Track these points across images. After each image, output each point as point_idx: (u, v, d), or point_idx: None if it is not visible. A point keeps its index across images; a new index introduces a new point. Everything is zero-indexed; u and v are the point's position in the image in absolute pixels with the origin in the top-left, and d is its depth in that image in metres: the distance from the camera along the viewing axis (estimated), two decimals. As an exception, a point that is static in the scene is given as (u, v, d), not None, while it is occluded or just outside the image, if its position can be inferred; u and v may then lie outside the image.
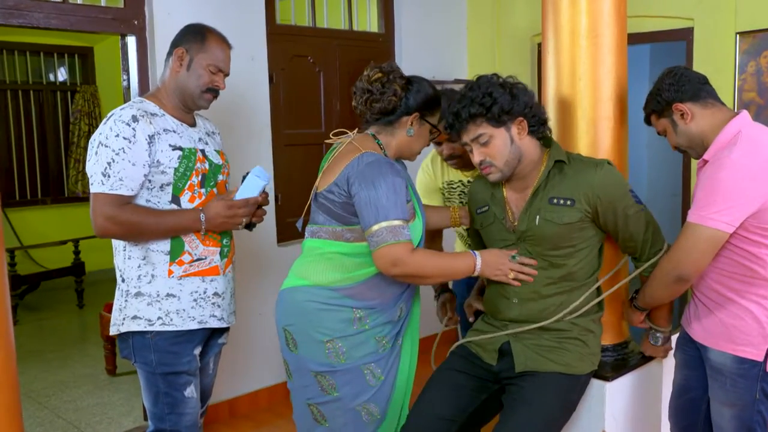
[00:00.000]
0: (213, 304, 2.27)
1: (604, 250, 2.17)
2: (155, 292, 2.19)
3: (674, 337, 2.30)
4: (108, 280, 3.52)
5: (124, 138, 2.08)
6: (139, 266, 2.19)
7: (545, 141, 2.12)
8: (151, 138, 2.12)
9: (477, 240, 2.33)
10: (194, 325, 2.23)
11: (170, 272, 2.19)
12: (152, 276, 2.19)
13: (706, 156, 2.00)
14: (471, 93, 2.01)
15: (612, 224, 2.04)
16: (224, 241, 2.30)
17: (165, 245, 2.18)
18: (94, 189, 2.10)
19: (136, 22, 3.16)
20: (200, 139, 2.30)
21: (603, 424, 2.22)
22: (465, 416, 2.07)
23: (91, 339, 5.10)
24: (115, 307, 2.26)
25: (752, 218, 1.87)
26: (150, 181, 2.14)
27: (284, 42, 3.78)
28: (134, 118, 2.11)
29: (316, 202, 2.14)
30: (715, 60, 3.65)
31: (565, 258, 2.05)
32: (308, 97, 3.96)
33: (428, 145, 2.31)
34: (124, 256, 2.21)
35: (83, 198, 6.92)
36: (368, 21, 4.40)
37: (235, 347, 3.40)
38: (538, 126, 2.05)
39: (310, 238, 2.14)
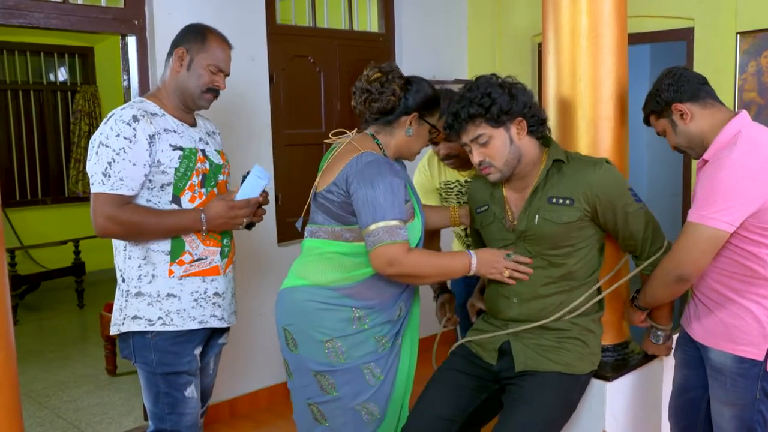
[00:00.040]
0: (213, 304, 2.27)
1: (605, 249, 2.17)
2: (156, 292, 2.19)
3: (674, 337, 2.30)
4: (108, 280, 3.51)
5: (125, 138, 2.08)
6: (139, 266, 2.19)
7: (544, 140, 2.12)
8: (151, 138, 2.12)
9: (477, 239, 2.33)
10: (195, 325, 2.23)
11: (171, 272, 2.19)
12: (153, 276, 2.19)
13: (705, 156, 2.00)
14: (470, 93, 2.01)
15: (612, 223, 2.04)
16: (225, 241, 2.30)
17: (165, 245, 2.18)
18: (94, 189, 2.10)
19: (136, 22, 3.16)
20: (201, 139, 2.30)
21: (603, 424, 2.22)
22: (465, 416, 2.07)
23: (92, 339, 5.10)
24: (115, 307, 2.26)
25: (752, 218, 1.87)
26: (150, 181, 2.14)
27: (284, 42, 3.78)
28: (135, 118, 2.11)
29: (315, 202, 2.14)
30: (716, 60, 3.65)
31: (565, 257, 2.05)
32: (308, 97, 3.96)
33: (427, 145, 2.31)
34: (125, 256, 2.21)
35: (83, 198, 6.92)
36: (368, 21, 4.40)
37: (235, 347, 3.40)
38: (537, 126, 2.05)
39: (309, 238, 2.15)
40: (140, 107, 2.17)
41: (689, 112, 2.02)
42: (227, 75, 2.32)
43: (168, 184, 2.16)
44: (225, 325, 2.35)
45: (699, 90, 2.03)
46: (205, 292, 2.25)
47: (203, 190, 2.24)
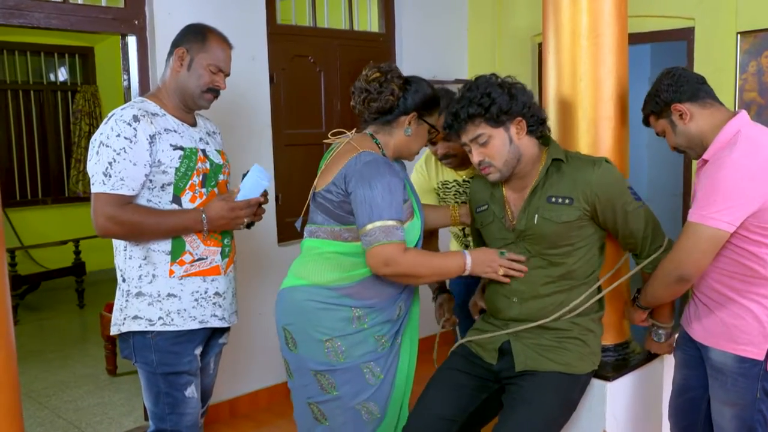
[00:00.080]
0: (214, 303, 2.27)
1: (605, 248, 2.17)
2: (156, 292, 2.19)
3: (676, 335, 2.30)
4: (108, 280, 3.51)
5: (125, 138, 2.08)
6: (140, 266, 2.19)
7: (544, 140, 2.12)
8: (152, 138, 2.12)
9: (478, 239, 2.33)
10: (195, 325, 2.23)
11: (171, 272, 2.19)
12: (153, 276, 2.19)
13: (705, 156, 2.00)
14: (469, 93, 2.01)
15: (611, 222, 2.04)
16: (225, 240, 2.30)
17: (166, 245, 2.18)
18: (95, 189, 2.10)
19: (136, 22, 3.16)
20: (201, 139, 2.30)
21: (604, 424, 2.22)
22: (466, 416, 2.07)
23: (92, 339, 5.10)
24: (115, 307, 2.26)
25: (752, 218, 1.87)
26: (151, 180, 2.14)
27: (285, 42, 3.78)
28: (135, 118, 2.11)
29: (314, 202, 2.14)
30: (716, 60, 3.64)
31: (564, 256, 2.05)
32: (309, 97, 3.96)
33: (427, 144, 2.31)
34: (125, 256, 2.21)
35: (84, 198, 6.92)
36: (369, 21, 4.40)
37: (235, 347, 3.40)
38: (536, 125, 2.06)
39: (308, 238, 2.15)
40: (141, 107, 2.17)
41: (689, 112, 2.02)
42: (227, 75, 2.32)
43: (168, 184, 2.16)
44: (225, 325, 2.35)
45: (698, 90, 2.03)
46: (206, 292, 2.25)
47: (204, 190, 2.24)
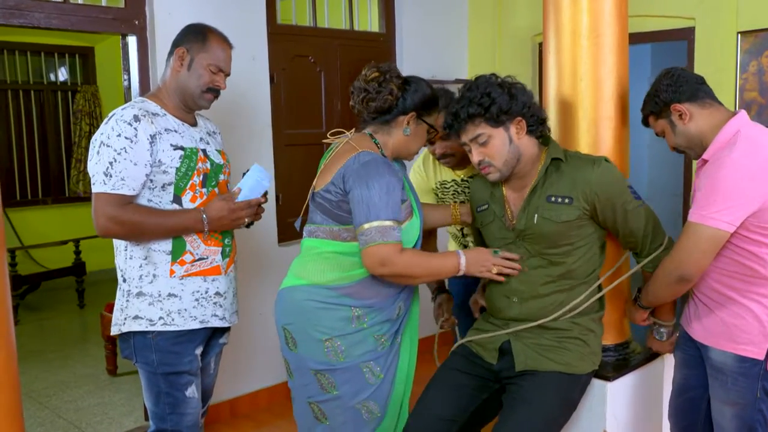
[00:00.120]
0: (215, 303, 2.27)
1: (606, 247, 2.17)
2: (157, 292, 2.19)
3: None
4: (109, 280, 3.51)
5: (126, 138, 2.08)
6: (140, 266, 2.19)
7: (544, 140, 2.12)
8: (152, 138, 2.12)
9: (478, 238, 2.33)
10: (196, 325, 2.23)
11: (172, 272, 2.19)
12: (154, 276, 2.19)
13: (705, 156, 2.00)
14: (469, 93, 2.01)
15: (611, 221, 2.04)
16: (226, 240, 2.30)
17: (166, 245, 2.18)
18: (96, 189, 2.10)
19: (136, 22, 3.16)
20: (201, 139, 2.30)
21: (604, 423, 2.22)
22: (466, 416, 2.07)
23: (92, 339, 5.10)
24: (116, 307, 2.26)
25: (752, 217, 1.87)
26: (152, 180, 2.14)
27: (285, 42, 3.78)
28: (136, 118, 2.11)
29: (313, 202, 2.14)
30: (717, 59, 3.64)
31: (564, 256, 2.05)
32: (309, 97, 3.96)
33: (426, 144, 2.31)
34: (126, 256, 2.21)
35: (84, 198, 6.93)
36: (369, 21, 4.40)
37: (236, 347, 3.40)
38: (536, 125, 2.06)
39: (307, 238, 2.15)
40: (141, 107, 2.17)
41: (688, 113, 2.02)
42: (228, 75, 2.32)
43: (169, 184, 2.16)
44: (226, 325, 2.35)
45: (697, 90, 2.03)
46: (207, 292, 2.25)
47: (204, 190, 2.24)
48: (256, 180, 2.24)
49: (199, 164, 2.22)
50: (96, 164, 2.10)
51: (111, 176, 2.08)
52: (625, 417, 2.30)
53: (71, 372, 4.47)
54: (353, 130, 2.18)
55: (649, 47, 5.73)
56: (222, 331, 2.42)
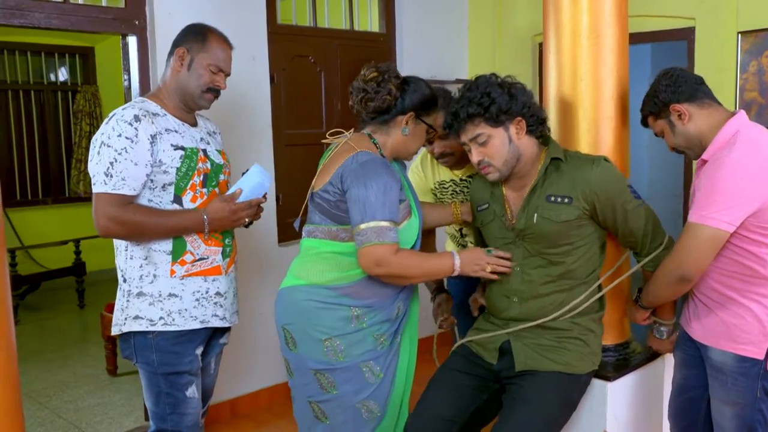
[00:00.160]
0: (215, 303, 2.27)
1: (606, 247, 2.17)
2: (157, 292, 2.19)
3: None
4: (109, 280, 3.51)
5: (127, 138, 2.08)
6: (141, 266, 2.19)
7: (544, 140, 2.12)
8: (153, 138, 2.12)
9: (478, 238, 2.33)
10: (196, 325, 2.23)
11: (172, 272, 2.19)
12: (154, 276, 2.19)
13: (704, 156, 2.00)
14: (469, 93, 2.02)
15: (611, 220, 2.04)
16: (226, 240, 2.30)
17: (167, 245, 2.18)
18: (96, 189, 2.10)
19: (137, 22, 3.16)
20: (202, 139, 2.30)
21: (604, 424, 2.22)
22: (466, 416, 2.08)
23: (92, 339, 5.10)
24: (116, 307, 2.26)
25: (752, 218, 1.87)
26: (152, 180, 2.14)
27: (285, 42, 3.78)
28: (136, 118, 2.11)
29: (312, 202, 2.15)
30: (717, 60, 3.64)
31: (564, 255, 2.05)
32: (309, 97, 3.96)
33: (425, 144, 2.31)
34: (126, 256, 2.21)
35: (84, 198, 6.93)
36: (369, 21, 4.40)
37: (236, 347, 3.40)
38: (536, 125, 2.06)
39: (306, 238, 2.16)
40: (141, 107, 2.17)
41: (687, 113, 2.03)
42: (228, 75, 2.32)
43: (170, 184, 2.16)
44: (227, 325, 2.35)
45: (696, 90, 2.03)
46: (207, 292, 2.25)
47: (205, 190, 2.24)
48: (258, 183, 2.24)
49: (200, 164, 2.22)
50: (97, 164, 2.10)
51: (112, 176, 2.08)
52: (626, 417, 2.30)
53: (71, 372, 4.47)
54: (352, 130, 2.19)
55: (649, 47, 5.73)
56: (222, 331, 2.42)
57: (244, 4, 3.51)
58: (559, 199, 2.03)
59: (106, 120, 2.15)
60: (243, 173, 2.27)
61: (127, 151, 2.08)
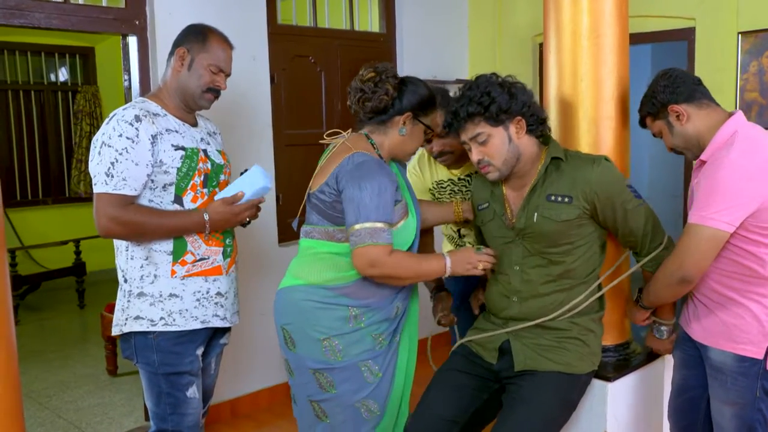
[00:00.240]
0: (216, 303, 2.27)
1: (606, 247, 2.16)
2: (158, 292, 2.19)
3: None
4: (109, 280, 3.51)
5: (127, 138, 2.08)
6: (141, 266, 2.19)
7: (544, 139, 2.12)
8: (153, 138, 2.12)
9: (479, 237, 2.33)
10: (197, 325, 2.23)
11: (173, 272, 2.19)
12: (155, 276, 2.19)
13: (703, 156, 2.00)
14: (469, 92, 2.02)
15: (611, 220, 2.04)
16: (227, 240, 2.30)
17: (168, 245, 2.18)
18: (97, 189, 2.10)
19: (137, 22, 3.16)
20: (202, 139, 2.30)
21: (605, 424, 2.22)
22: (467, 416, 2.08)
23: (92, 339, 5.10)
24: (117, 307, 2.26)
25: (751, 218, 1.87)
26: (153, 181, 2.14)
27: (285, 42, 3.78)
28: (137, 118, 2.11)
29: (309, 203, 2.15)
30: (717, 60, 3.64)
31: (563, 255, 2.05)
32: (309, 97, 3.96)
33: (423, 145, 2.31)
34: (127, 257, 2.21)
35: (84, 198, 6.93)
36: (369, 21, 4.40)
37: (236, 347, 3.40)
38: (536, 125, 2.06)
39: (304, 238, 2.17)
40: (142, 107, 2.17)
41: (685, 113, 2.03)
42: (228, 75, 2.32)
43: (170, 184, 2.17)
44: (227, 325, 2.35)
45: (694, 91, 2.04)
46: (208, 292, 2.25)
47: (205, 190, 2.24)
48: (261, 187, 2.24)
49: (200, 164, 2.22)
50: (97, 164, 2.10)
51: (112, 176, 2.08)
52: (626, 417, 2.30)
53: (71, 372, 4.47)
54: (350, 130, 2.19)
55: (649, 47, 5.74)
56: (223, 331, 2.42)
57: (244, 4, 3.51)
58: (559, 199, 2.03)
59: (106, 120, 2.15)
60: (242, 173, 2.27)
61: (128, 152, 2.08)
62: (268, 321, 3.23)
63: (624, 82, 2.30)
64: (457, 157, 2.49)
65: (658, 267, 2.05)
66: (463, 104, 2.01)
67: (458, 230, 2.67)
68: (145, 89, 3.18)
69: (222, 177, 2.33)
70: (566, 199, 2.02)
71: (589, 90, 2.26)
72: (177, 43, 2.27)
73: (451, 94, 2.33)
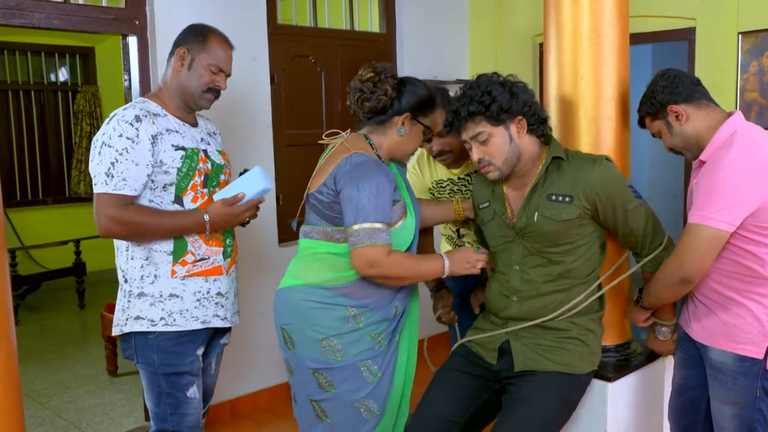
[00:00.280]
0: (216, 303, 2.27)
1: (606, 247, 2.16)
2: (158, 292, 2.19)
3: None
4: (109, 280, 3.51)
5: (128, 138, 2.08)
6: (141, 266, 2.19)
7: (545, 139, 2.12)
8: (154, 138, 2.12)
9: (480, 235, 2.33)
10: (197, 325, 2.23)
11: (173, 272, 2.19)
12: (155, 276, 2.19)
13: (702, 157, 2.00)
14: (471, 91, 2.02)
15: (612, 220, 2.04)
16: (227, 241, 2.30)
17: (168, 245, 2.18)
18: (97, 189, 2.10)
19: (137, 22, 3.16)
20: (202, 140, 2.30)
21: (605, 424, 2.22)
22: (467, 416, 2.08)
23: (92, 339, 5.11)
24: (117, 307, 2.26)
25: (751, 218, 1.87)
26: (153, 181, 2.14)
27: (286, 42, 3.78)
28: (137, 118, 2.11)
29: (308, 203, 2.15)
30: (717, 60, 3.64)
31: (563, 255, 2.05)
32: (309, 97, 3.96)
33: (422, 146, 2.31)
34: (127, 257, 2.21)
35: (84, 198, 6.93)
36: (370, 21, 4.40)
37: (236, 347, 3.40)
38: (537, 125, 2.06)
39: (303, 239, 2.17)
40: (142, 107, 2.17)
41: (684, 113, 2.03)
42: (228, 75, 2.32)
43: (170, 185, 2.17)
44: (228, 325, 2.35)
45: (693, 91, 2.04)
46: (208, 292, 2.25)
47: (205, 190, 2.24)
48: (262, 189, 2.24)
49: (201, 164, 2.22)
50: (98, 165, 2.10)
51: (113, 176, 2.08)
52: (626, 418, 2.30)
53: (71, 372, 4.47)
54: (349, 130, 2.19)
55: (650, 48, 5.74)
56: (223, 331, 2.42)
57: (244, 5, 3.51)
58: (560, 198, 2.03)
59: (107, 120, 2.15)
60: (241, 173, 2.27)
61: (128, 152, 2.08)
62: (268, 321, 3.23)
63: (624, 82, 2.30)
64: (457, 157, 2.49)
65: (658, 267, 2.05)
66: (464, 103, 2.01)
67: (457, 230, 2.67)
68: (145, 89, 3.17)
69: (222, 177, 2.33)
70: (567, 199, 2.02)
71: (589, 90, 2.26)
72: (177, 43, 2.27)
73: (452, 94, 2.33)
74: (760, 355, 1.94)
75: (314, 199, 2.10)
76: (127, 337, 2.25)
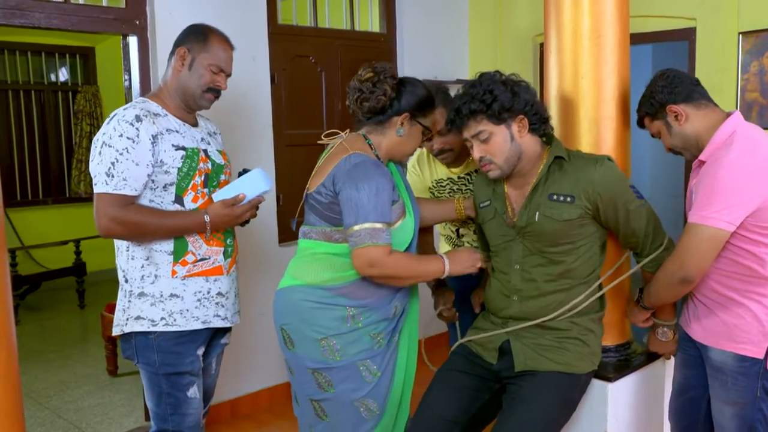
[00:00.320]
0: (217, 303, 2.27)
1: (606, 247, 2.16)
2: (159, 292, 2.18)
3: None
4: (109, 280, 3.51)
5: (128, 138, 2.08)
6: (142, 266, 2.19)
7: (547, 138, 2.12)
8: (154, 138, 2.12)
9: (481, 234, 2.33)
10: (198, 325, 2.23)
11: (174, 272, 2.19)
12: (156, 276, 2.19)
13: (702, 157, 2.00)
14: (472, 90, 2.02)
15: (613, 220, 2.04)
16: (228, 241, 2.30)
17: (168, 245, 2.18)
18: (97, 189, 2.10)
19: (137, 22, 3.16)
20: (203, 139, 2.30)
21: (605, 424, 2.22)
22: (468, 417, 2.08)
23: (92, 339, 5.11)
24: (118, 307, 2.26)
25: (751, 217, 1.87)
26: (153, 181, 2.14)
27: (286, 42, 3.78)
28: (138, 118, 2.11)
29: (307, 204, 2.15)
30: (718, 60, 3.64)
31: (564, 255, 2.05)
32: (310, 97, 3.96)
33: (421, 146, 2.31)
34: (128, 257, 2.21)
35: (84, 198, 6.94)
36: (370, 21, 4.40)
37: (236, 347, 3.40)
38: (539, 124, 2.06)
39: (302, 239, 2.17)
40: (143, 107, 2.17)
41: (684, 113, 2.03)
42: (229, 75, 2.32)
43: (171, 184, 2.16)
44: (228, 325, 2.35)
45: (692, 91, 2.04)
46: (209, 292, 2.25)
47: (206, 190, 2.24)
48: (262, 190, 2.24)
49: (201, 164, 2.22)
50: (98, 164, 2.10)
51: (113, 176, 2.08)
52: (626, 418, 2.30)
53: (71, 372, 4.47)
54: (348, 130, 2.19)
55: (650, 48, 5.73)
56: (223, 331, 2.42)
57: (244, 5, 3.51)
58: (561, 198, 2.02)
59: (107, 120, 2.15)
60: (240, 173, 2.27)
61: (129, 152, 2.08)
62: (268, 321, 3.23)
63: (625, 82, 2.30)
64: (457, 155, 2.49)
65: (659, 267, 2.05)
66: (466, 101, 2.01)
67: (456, 230, 2.67)
68: (145, 89, 3.17)
69: (222, 177, 2.33)
70: (568, 199, 2.02)
71: (590, 90, 2.26)
72: (178, 43, 2.27)
73: (452, 94, 2.33)
74: (761, 355, 1.94)
75: (313, 199, 2.10)
76: (127, 337, 2.25)
